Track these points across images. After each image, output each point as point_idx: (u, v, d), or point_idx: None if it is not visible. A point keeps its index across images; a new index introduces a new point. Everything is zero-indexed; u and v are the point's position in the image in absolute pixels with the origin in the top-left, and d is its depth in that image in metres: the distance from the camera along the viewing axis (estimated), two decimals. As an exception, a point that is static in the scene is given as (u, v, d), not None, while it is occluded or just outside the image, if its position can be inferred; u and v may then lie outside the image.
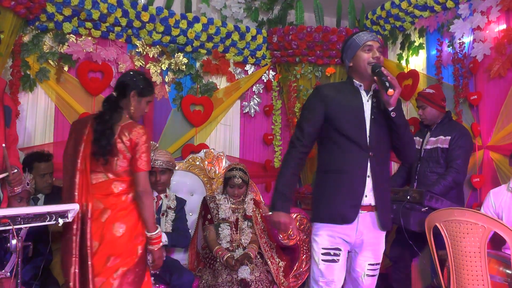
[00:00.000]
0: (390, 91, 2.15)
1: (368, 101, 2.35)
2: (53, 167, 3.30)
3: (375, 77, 2.24)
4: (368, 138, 2.29)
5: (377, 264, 2.39)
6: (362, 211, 2.29)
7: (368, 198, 2.29)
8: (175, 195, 3.66)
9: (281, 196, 2.32)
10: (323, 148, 2.39)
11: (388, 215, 2.37)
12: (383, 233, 2.40)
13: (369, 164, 2.28)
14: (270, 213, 2.36)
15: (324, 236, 2.30)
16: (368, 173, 2.27)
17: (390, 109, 2.23)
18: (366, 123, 2.31)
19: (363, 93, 2.36)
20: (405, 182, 3.87)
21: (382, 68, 2.23)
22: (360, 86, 2.36)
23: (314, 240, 2.34)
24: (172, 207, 3.55)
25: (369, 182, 2.28)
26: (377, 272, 2.41)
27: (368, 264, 2.36)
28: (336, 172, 2.30)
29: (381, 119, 2.33)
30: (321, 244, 2.30)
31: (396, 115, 2.24)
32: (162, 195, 3.54)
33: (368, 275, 2.36)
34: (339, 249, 2.29)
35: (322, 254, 2.29)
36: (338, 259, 2.29)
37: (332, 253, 2.28)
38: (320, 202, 2.35)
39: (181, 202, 3.66)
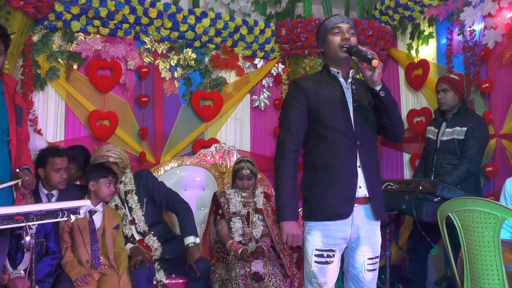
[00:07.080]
0: (375, 61, 2.06)
1: (348, 88, 2.28)
2: (67, 162, 3.30)
3: (354, 58, 2.16)
4: (353, 127, 2.22)
5: (376, 257, 2.30)
6: (357, 205, 2.20)
7: (362, 189, 2.20)
8: (131, 174, 3.51)
9: (289, 203, 2.17)
10: (307, 143, 2.29)
11: (382, 204, 2.29)
12: (378, 225, 2.32)
13: (358, 153, 2.20)
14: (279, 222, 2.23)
15: (318, 236, 2.21)
16: (359, 163, 2.20)
17: (378, 88, 2.14)
18: (350, 112, 2.24)
19: (342, 81, 2.28)
20: (425, 175, 3.80)
21: (359, 46, 2.17)
22: (338, 73, 2.29)
23: (307, 239, 2.24)
24: (132, 188, 3.43)
25: (360, 173, 2.20)
26: (377, 266, 2.32)
27: (368, 259, 2.27)
28: (326, 167, 2.20)
29: (363, 106, 2.27)
30: (314, 244, 2.21)
31: (385, 94, 2.16)
32: (118, 185, 3.43)
33: (368, 270, 2.27)
34: (333, 251, 2.20)
35: (315, 255, 2.20)
36: (331, 261, 2.20)
37: (325, 255, 2.20)
38: (311, 200, 2.24)
39: (140, 175, 3.49)
